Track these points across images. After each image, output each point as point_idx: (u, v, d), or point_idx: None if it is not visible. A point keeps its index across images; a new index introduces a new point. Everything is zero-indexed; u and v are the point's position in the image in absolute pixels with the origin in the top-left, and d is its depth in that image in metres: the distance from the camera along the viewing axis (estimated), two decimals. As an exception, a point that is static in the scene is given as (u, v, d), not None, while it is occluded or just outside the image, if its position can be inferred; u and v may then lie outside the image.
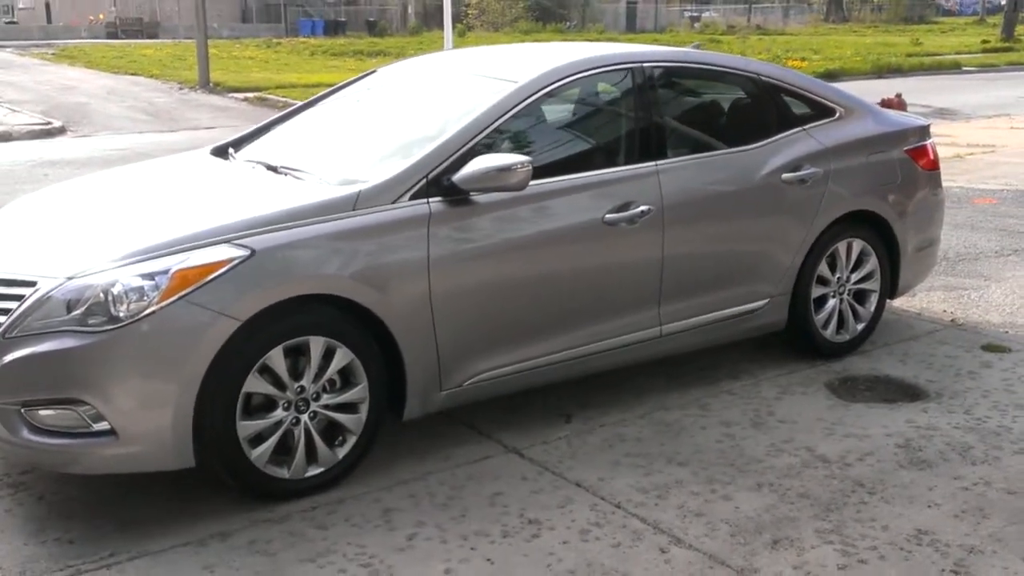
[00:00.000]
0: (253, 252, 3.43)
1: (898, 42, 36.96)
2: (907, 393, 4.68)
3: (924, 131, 5.43)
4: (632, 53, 4.65)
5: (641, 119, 4.49)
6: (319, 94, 5.17)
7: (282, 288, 3.47)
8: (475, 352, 3.95)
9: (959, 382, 4.78)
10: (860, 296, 5.16)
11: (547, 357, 4.16)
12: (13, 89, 22.16)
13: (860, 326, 5.16)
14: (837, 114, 5.07)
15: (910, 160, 5.25)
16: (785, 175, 4.74)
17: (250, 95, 20.37)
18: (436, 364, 3.85)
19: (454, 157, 3.88)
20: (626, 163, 4.39)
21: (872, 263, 5.12)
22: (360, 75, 5.21)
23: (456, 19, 43.88)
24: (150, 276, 3.31)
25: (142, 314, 3.27)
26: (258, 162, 4.38)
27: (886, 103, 14.19)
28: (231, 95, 20.89)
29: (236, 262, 3.40)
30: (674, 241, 4.39)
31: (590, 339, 4.26)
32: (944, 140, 13.17)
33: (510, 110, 4.11)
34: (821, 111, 5.03)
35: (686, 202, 4.44)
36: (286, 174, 4.14)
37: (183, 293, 3.31)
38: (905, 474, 3.85)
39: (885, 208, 5.08)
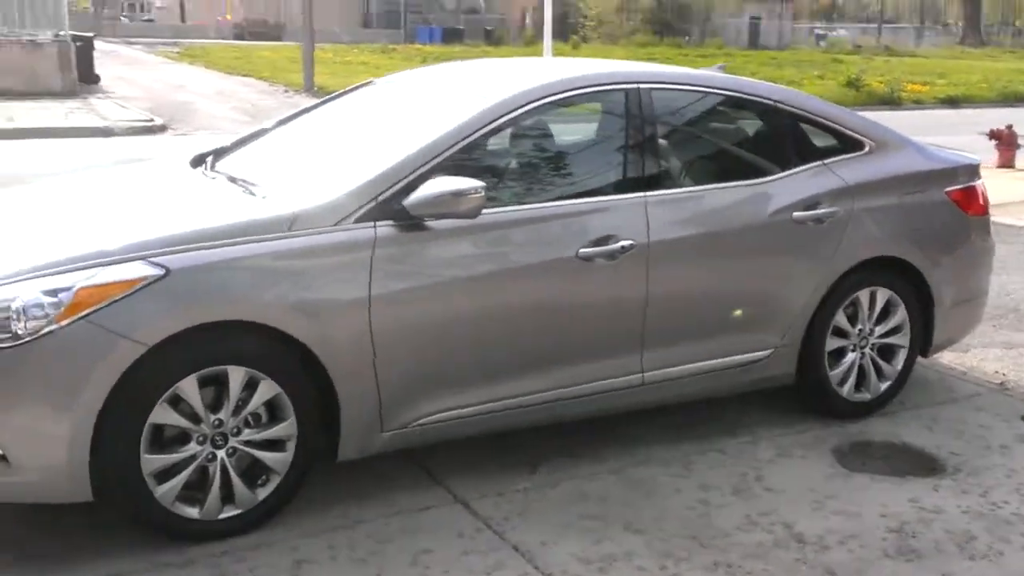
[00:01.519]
0: (168, 271, 3.21)
1: (1034, 69, 35.11)
2: (923, 465, 4.18)
3: (973, 170, 4.89)
4: (630, 73, 4.27)
5: (631, 146, 4.12)
6: (313, 103, 4.95)
7: (197, 312, 3.24)
8: (424, 391, 3.65)
9: (986, 457, 4.25)
10: (886, 351, 4.65)
11: (507, 401, 3.82)
12: (128, 85, 22.87)
13: (884, 385, 4.64)
14: (867, 148, 4.58)
15: (953, 202, 4.72)
16: (797, 213, 4.30)
17: (348, 99, 20.49)
18: (377, 402, 3.57)
19: (409, 179, 3.59)
20: (610, 193, 4.03)
21: (900, 315, 4.60)
22: (355, 85, 4.97)
23: (572, 30, 43.73)
24: (53, 292, 3.11)
25: (39, 333, 3.07)
26: (224, 173, 4.17)
27: (995, 134, 13.40)
28: (331, 99, 21.07)
29: (147, 282, 3.17)
30: (660, 280, 4.00)
31: (558, 383, 3.91)
32: (1053, 176, 12.25)
33: (478, 130, 3.79)
34: (847, 144, 4.56)
35: (677, 239, 4.05)
36: (244, 187, 3.91)
37: (85, 312, 3.10)
38: (888, 565, 3.38)
39: (917, 255, 4.57)
